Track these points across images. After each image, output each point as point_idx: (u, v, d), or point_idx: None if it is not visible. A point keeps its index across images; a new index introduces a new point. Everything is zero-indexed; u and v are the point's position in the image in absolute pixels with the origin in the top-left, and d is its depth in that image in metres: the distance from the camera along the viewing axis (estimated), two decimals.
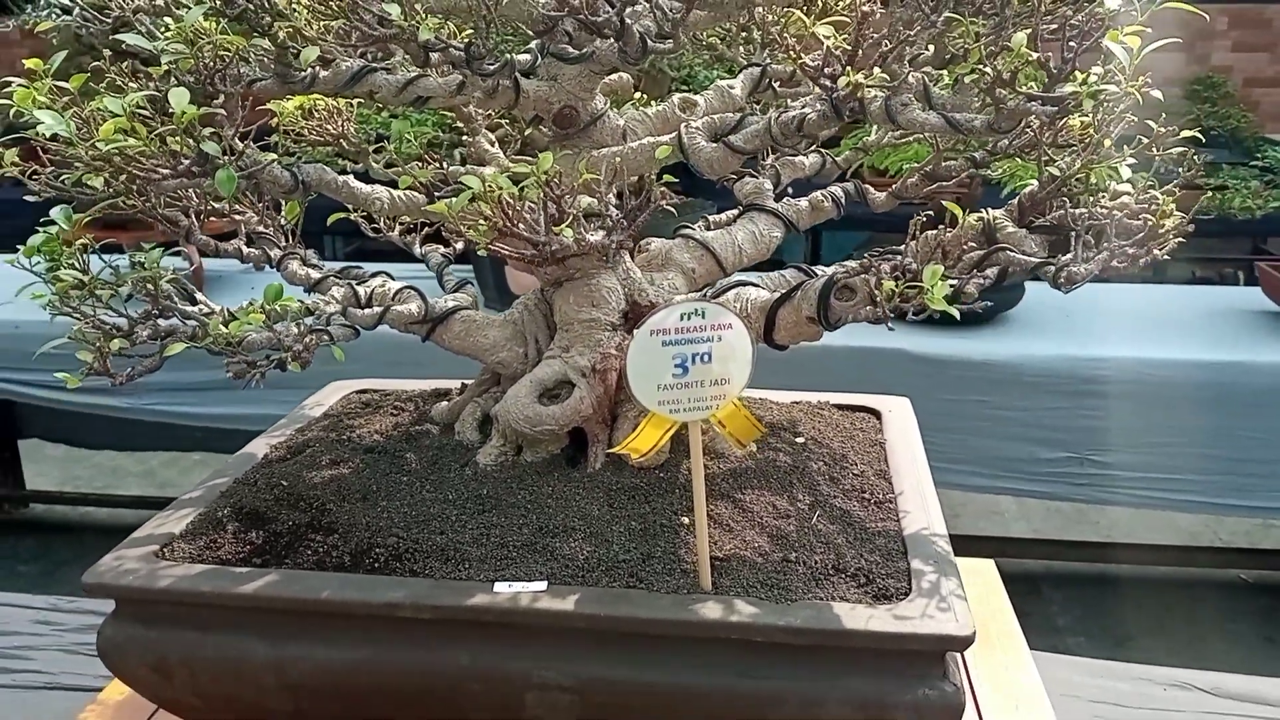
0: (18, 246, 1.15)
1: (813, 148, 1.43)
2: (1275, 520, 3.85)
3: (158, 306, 1.08)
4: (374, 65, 1.12)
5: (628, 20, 0.90)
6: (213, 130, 1.02)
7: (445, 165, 1.36)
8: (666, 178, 1.03)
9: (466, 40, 0.97)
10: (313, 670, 1.09)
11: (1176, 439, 3.38)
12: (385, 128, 2.84)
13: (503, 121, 1.54)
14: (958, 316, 0.91)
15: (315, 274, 1.34)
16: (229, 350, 1.06)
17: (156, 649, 1.12)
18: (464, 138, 1.48)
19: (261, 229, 1.38)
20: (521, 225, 0.89)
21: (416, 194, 1.21)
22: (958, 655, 1.07)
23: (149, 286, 1.09)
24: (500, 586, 1.07)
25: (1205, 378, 3.32)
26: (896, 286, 0.92)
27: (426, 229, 1.55)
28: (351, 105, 1.45)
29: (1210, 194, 3.31)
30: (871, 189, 1.43)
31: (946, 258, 1.04)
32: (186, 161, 0.92)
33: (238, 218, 1.35)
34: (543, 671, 1.06)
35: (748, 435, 1.07)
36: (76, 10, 1.16)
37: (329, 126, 1.42)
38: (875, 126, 1.28)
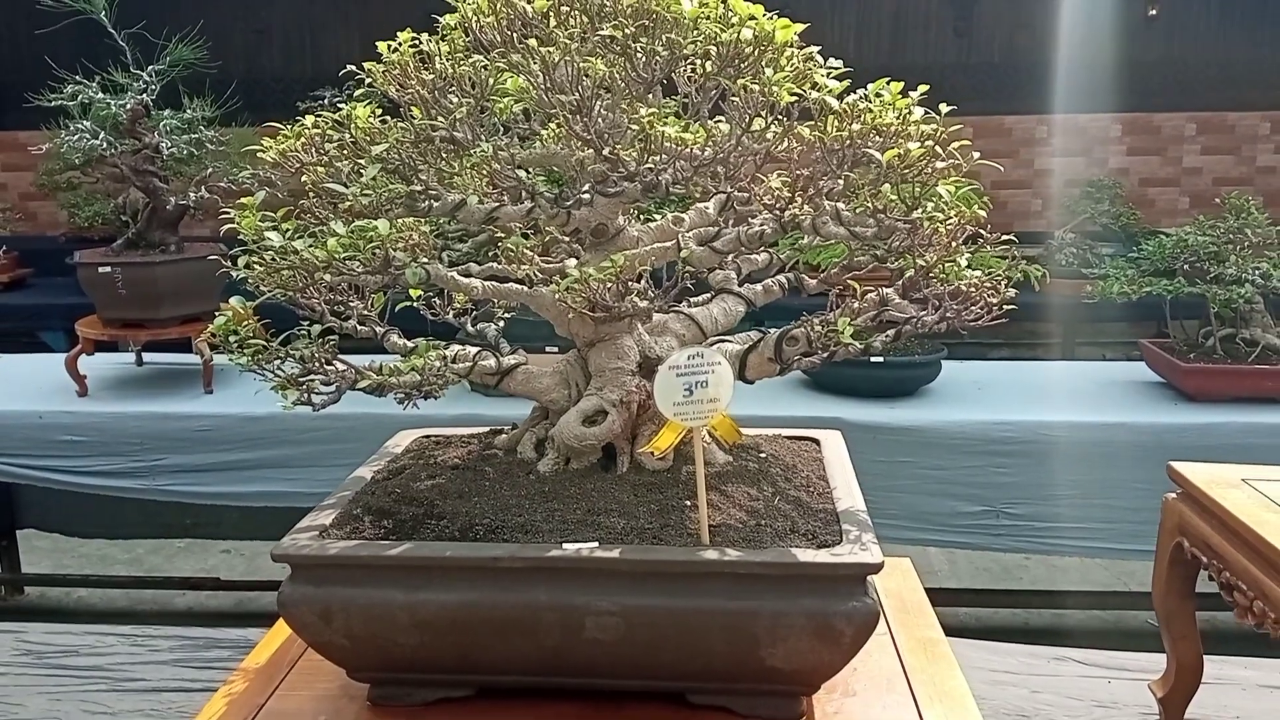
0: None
1: (763, 249, 2.08)
2: None
3: (326, 363, 1.67)
4: (465, 198, 1.75)
5: (660, 177, 1.54)
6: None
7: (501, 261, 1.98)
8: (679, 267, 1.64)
9: (560, 188, 1.61)
10: (436, 609, 1.65)
11: (1078, 492, 4.00)
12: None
13: (527, 231, 2.17)
14: (881, 358, 1.55)
15: (409, 344, 1.94)
16: (378, 390, 1.66)
17: (323, 601, 1.67)
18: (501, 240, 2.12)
19: (365, 312, 1.98)
20: (602, 296, 1.51)
21: (497, 283, 1.83)
22: (875, 581, 1.68)
23: (314, 350, 1.68)
24: (567, 545, 1.65)
25: (1101, 437, 3.96)
26: (824, 330, 1.56)
27: (475, 311, 2.17)
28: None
29: (1096, 282, 4.07)
30: (805, 277, 2.08)
31: (857, 317, 1.68)
32: (377, 263, 1.53)
33: (352, 304, 1.94)
34: (597, 602, 1.63)
35: (731, 438, 1.69)
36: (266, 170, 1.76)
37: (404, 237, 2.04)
38: (806, 235, 1.94)
